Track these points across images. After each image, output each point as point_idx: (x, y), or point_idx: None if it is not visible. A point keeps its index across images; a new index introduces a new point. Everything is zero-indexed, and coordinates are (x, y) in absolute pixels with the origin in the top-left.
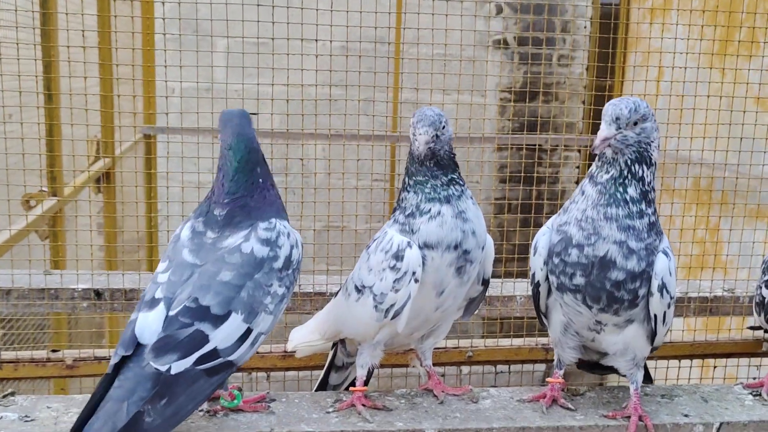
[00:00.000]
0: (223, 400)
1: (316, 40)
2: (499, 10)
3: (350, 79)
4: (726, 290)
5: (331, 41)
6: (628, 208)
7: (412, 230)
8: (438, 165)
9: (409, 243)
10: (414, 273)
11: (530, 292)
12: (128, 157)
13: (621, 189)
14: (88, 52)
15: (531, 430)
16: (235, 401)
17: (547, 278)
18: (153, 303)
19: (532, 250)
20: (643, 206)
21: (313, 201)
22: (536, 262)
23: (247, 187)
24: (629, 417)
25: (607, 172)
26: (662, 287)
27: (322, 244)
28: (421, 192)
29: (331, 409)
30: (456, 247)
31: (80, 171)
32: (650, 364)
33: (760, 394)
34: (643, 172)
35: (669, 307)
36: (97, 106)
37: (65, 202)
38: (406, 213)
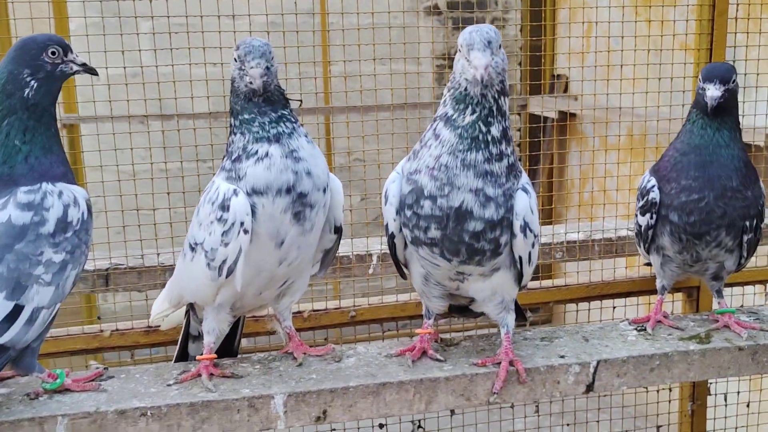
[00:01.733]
0: (43, 383)
1: (233, 16)
2: None
3: (277, 56)
4: (630, 229)
5: (249, 15)
6: (489, 151)
7: (239, 176)
8: (267, 101)
9: (234, 191)
10: (242, 223)
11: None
12: None
13: (485, 129)
14: None
15: (392, 386)
16: (58, 381)
17: (401, 230)
18: None
19: (382, 199)
20: (504, 146)
21: None
22: (388, 213)
23: (2, 150)
24: (500, 363)
25: (473, 112)
26: (525, 227)
27: None
28: (248, 132)
29: (172, 381)
30: (289, 191)
31: None
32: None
33: (645, 329)
34: (506, 104)
35: (533, 246)
36: None
37: None
38: (233, 157)
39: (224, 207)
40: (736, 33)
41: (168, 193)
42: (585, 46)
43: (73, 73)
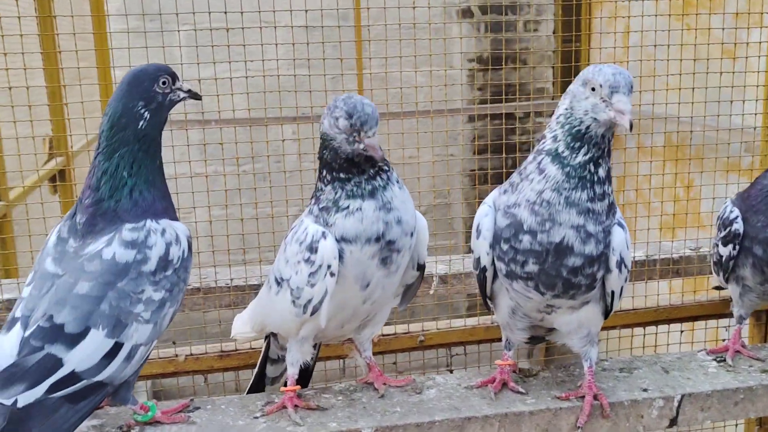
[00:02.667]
0: (135, 415)
1: (275, 27)
2: None
3: (316, 62)
4: (692, 249)
5: (292, 24)
6: (593, 191)
7: (327, 223)
8: (368, 159)
9: (323, 233)
10: (329, 266)
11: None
12: (88, 150)
13: (593, 169)
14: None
15: (477, 420)
16: (150, 413)
17: (493, 263)
18: (12, 323)
19: (474, 233)
20: (606, 186)
21: (284, 185)
22: (481, 247)
23: (110, 183)
24: (584, 397)
25: (587, 152)
26: (621, 263)
27: None
28: (342, 189)
29: (259, 414)
30: (378, 239)
31: (33, 171)
32: (613, 334)
33: (724, 360)
34: (612, 145)
35: (626, 281)
36: (45, 108)
37: (12, 207)
38: (321, 206)
39: (312, 249)
40: None
41: (208, 207)
42: (624, 54)
43: (180, 100)
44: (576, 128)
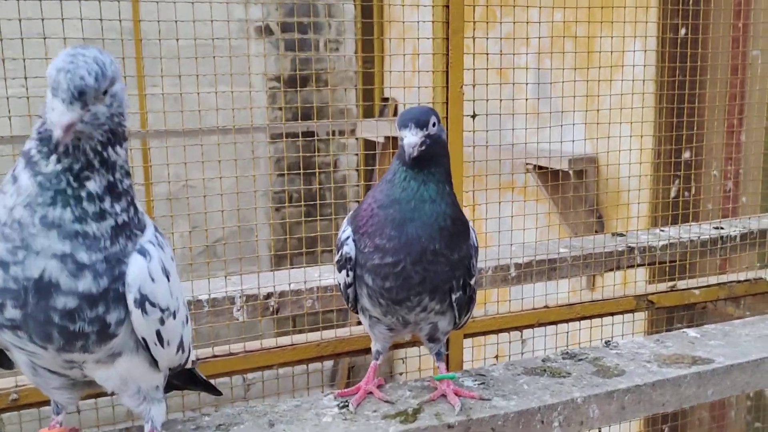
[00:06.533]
0: None
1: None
2: None
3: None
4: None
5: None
6: (82, 209)
7: None
8: None
9: None
10: None
11: None
12: None
13: (76, 184)
14: None
15: None
16: None
17: None
18: None
19: None
20: (108, 204)
21: None
22: None
23: None
24: None
25: (59, 161)
26: (142, 301)
27: None
28: None
29: None
30: None
31: None
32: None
33: (347, 406)
34: (115, 155)
35: (163, 323)
36: None
37: None
38: None
39: None
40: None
41: None
42: (411, 68)
43: None
44: (44, 126)
